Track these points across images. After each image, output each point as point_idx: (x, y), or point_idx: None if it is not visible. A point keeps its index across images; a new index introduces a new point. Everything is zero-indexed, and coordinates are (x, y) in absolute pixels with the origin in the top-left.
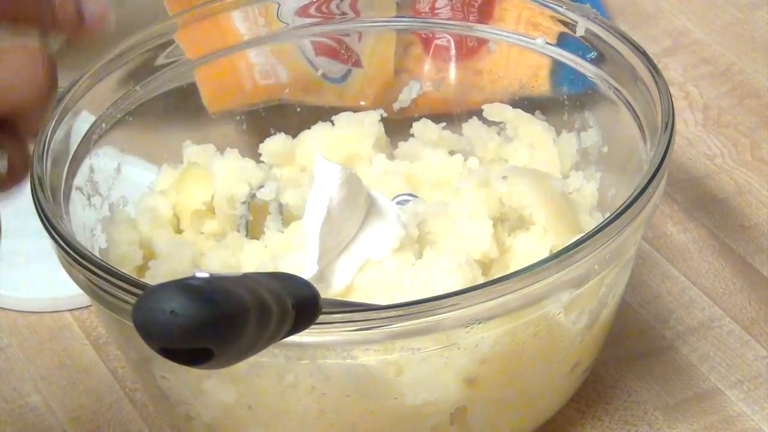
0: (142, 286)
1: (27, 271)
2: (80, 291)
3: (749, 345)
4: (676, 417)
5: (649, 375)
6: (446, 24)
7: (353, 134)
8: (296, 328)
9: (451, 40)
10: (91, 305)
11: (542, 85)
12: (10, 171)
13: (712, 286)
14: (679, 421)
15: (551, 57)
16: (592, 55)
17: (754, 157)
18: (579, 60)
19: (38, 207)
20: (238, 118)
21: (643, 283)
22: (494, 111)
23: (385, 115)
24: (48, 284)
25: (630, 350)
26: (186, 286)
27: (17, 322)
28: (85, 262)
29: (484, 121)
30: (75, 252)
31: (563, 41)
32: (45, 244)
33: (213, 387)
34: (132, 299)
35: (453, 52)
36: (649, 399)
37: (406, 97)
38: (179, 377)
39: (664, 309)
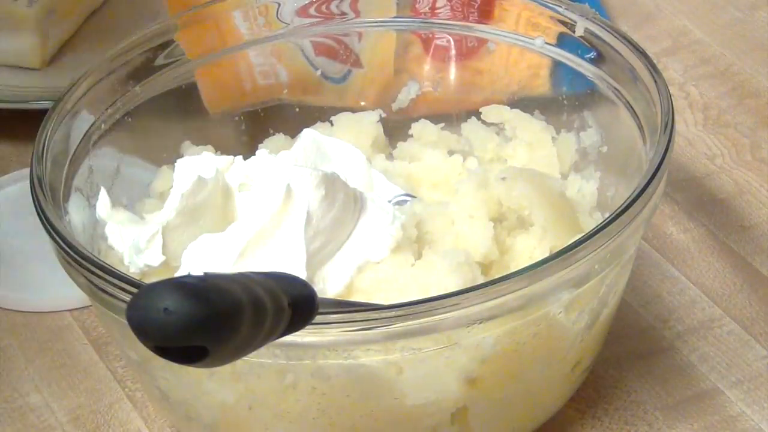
0: (141, 286)
1: (27, 271)
2: (80, 291)
3: (749, 345)
4: (676, 417)
5: (649, 375)
6: (446, 24)
7: (352, 134)
8: (293, 327)
9: (451, 40)
10: (91, 305)
11: (542, 85)
12: None
13: (712, 286)
14: (679, 421)
15: (551, 57)
16: (592, 55)
17: (754, 157)
18: (578, 60)
19: (38, 207)
20: (237, 118)
21: (643, 283)
22: (492, 112)
23: (384, 115)
24: (48, 284)
25: (630, 350)
26: (180, 284)
27: (17, 322)
28: (84, 262)
29: (483, 121)
30: (75, 252)
31: (563, 41)
32: (45, 244)
33: (213, 387)
34: None
35: (453, 52)
36: (649, 399)
37: (405, 97)
38: (179, 378)
39: (664, 309)
